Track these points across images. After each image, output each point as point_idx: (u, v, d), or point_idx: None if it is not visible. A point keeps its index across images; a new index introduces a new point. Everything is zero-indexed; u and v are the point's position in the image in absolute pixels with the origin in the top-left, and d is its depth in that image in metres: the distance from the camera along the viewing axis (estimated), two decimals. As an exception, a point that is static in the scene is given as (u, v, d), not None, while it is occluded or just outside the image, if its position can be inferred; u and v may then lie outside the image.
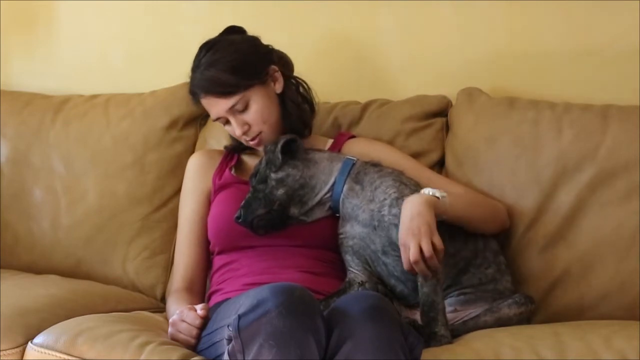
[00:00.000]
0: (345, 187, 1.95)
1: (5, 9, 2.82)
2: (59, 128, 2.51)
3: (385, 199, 1.89)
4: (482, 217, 1.99)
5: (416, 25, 2.40)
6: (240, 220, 1.93)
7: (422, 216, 1.78)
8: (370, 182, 1.93)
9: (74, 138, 2.49)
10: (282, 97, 2.08)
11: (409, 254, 1.77)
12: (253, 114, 2.03)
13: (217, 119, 2.06)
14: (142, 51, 2.69)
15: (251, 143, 2.07)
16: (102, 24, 2.74)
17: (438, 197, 1.84)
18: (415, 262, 1.77)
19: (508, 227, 2.07)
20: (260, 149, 2.07)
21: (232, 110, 2.02)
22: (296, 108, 2.10)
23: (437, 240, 1.78)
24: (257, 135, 2.05)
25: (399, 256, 1.87)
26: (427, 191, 1.86)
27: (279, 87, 2.08)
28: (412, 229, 1.77)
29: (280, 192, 1.93)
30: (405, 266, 1.80)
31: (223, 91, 2.00)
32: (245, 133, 2.04)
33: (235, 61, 2.01)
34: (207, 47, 2.04)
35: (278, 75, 2.08)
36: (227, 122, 2.06)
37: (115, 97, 2.54)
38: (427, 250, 1.76)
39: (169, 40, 2.64)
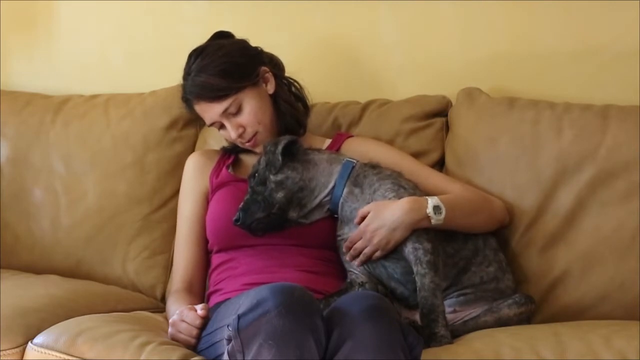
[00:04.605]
0: (345, 190, 1.95)
1: (5, 9, 2.82)
2: (59, 128, 2.51)
3: None
4: (478, 224, 1.99)
5: (416, 25, 2.40)
6: (239, 223, 1.93)
7: (393, 234, 1.85)
8: (370, 185, 1.93)
9: (74, 138, 2.49)
10: (274, 98, 2.09)
11: (355, 246, 1.89)
12: (247, 116, 2.03)
13: (212, 124, 2.06)
14: (142, 51, 2.68)
15: (247, 145, 2.07)
16: (102, 23, 2.74)
17: (432, 222, 1.86)
18: (350, 253, 1.91)
19: (508, 223, 2.07)
20: (257, 150, 2.07)
21: (225, 113, 2.02)
22: (290, 107, 2.10)
23: (377, 256, 1.88)
24: (253, 136, 2.05)
25: (397, 258, 1.89)
26: (429, 209, 1.86)
27: (270, 87, 2.08)
28: (377, 238, 1.86)
29: (280, 195, 1.93)
30: (345, 248, 1.92)
31: (214, 95, 2.00)
32: (240, 136, 2.04)
33: (224, 65, 2.01)
34: (196, 54, 2.05)
35: (269, 76, 2.08)
36: (221, 126, 2.06)
37: (115, 97, 2.54)
38: (363, 258, 1.89)
39: (169, 40, 2.64)
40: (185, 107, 2.11)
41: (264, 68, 2.08)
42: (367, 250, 1.89)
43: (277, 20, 2.52)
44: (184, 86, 2.07)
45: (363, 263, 1.91)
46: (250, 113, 2.03)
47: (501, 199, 2.07)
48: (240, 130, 2.04)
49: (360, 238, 1.89)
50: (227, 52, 2.04)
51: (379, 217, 1.86)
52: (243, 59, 2.05)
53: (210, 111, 2.03)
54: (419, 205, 1.87)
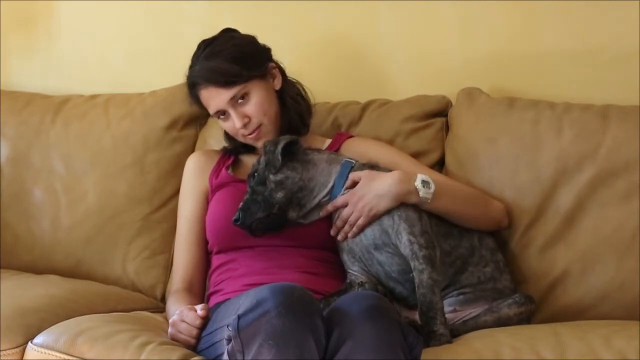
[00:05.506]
0: (344, 190, 1.95)
1: (5, 9, 2.82)
2: (59, 128, 2.51)
3: None
4: (471, 214, 1.99)
5: (416, 25, 2.40)
6: (238, 222, 1.93)
7: (379, 201, 1.86)
8: None
9: (74, 138, 2.49)
10: (280, 94, 2.10)
11: (341, 215, 1.91)
12: (253, 106, 2.03)
13: (217, 112, 2.06)
14: (142, 51, 2.69)
15: (250, 137, 2.07)
16: (102, 23, 2.74)
17: (420, 194, 1.87)
18: (336, 225, 1.93)
19: (506, 226, 2.07)
20: (259, 144, 2.07)
21: (232, 101, 2.02)
22: (295, 104, 2.12)
23: (360, 224, 1.88)
24: (257, 128, 2.05)
25: (392, 253, 1.89)
26: (417, 182, 1.88)
27: (277, 83, 2.10)
28: (362, 203, 1.88)
29: (280, 195, 1.93)
30: (323, 212, 1.94)
31: (225, 81, 2.00)
32: (244, 126, 2.04)
33: (237, 52, 2.03)
34: (207, 43, 2.07)
35: (276, 72, 2.10)
36: (225, 117, 2.06)
37: (115, 97, 2.54)
38: (347, 227, 1.90)
39: (169, 40, 2.64)
40: (189, 94, 2.10)
41: (272, 64, 2.09)
42: (351, 218, 1.89)
43: (277, 20, 2.52)
44: (191, 71, 2.07)
45: (346, 236, 1.92)
46: (256, 104, 2.03)
47: (501, 199, 2.07)
48: (246, 120, 2.04)
49: (346, 204, 1.90)
50: (239, 42, 2.07)
51: (369, 185, 1.88)
52: (254, 51, 2.07)
53: (217, 97, 2.03)
54: (408, 178, 1.88)
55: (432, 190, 1.88)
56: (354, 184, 1.91)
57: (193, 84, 2.07)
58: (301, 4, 2.50)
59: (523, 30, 2.32)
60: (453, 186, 2.01)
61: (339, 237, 1.93)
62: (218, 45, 2.04)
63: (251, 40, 2.10)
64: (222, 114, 2.06)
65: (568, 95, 2.21)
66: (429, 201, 1.88)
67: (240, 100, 2.02)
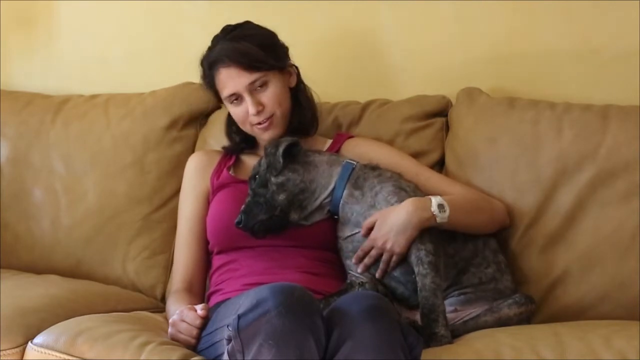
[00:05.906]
0: (345, 192, 1.95)
1: (5, 9, 2.82)
2: (59, 128, 2.51)
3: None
4: (481, 224, 1.99)
5: (416, 24, 2.40)
6: (241, 225, 1.93)
7: (404, 235, 1.85)
8: (371, 188, 1.94)
9: (74, 138, 2.49)
10: (295, 92, 2.11)
11: (369, 254, 1.90)
12: (270, 95, 2.03)
13: (231, 95, 2.05)
14: (142, 51, 2.68)
15: (259, 127, 2.06)
16: (102, 23, 2.74)
17: (437, 220, 1.87)
18: (364, 262, 1.91)
19: (508, 226, 2.07)
20: (265, 135, 2.06)
21: (251, 86, 2.02)
22: (309, 102, 2.13)
23: (395, 260, 1.89)
24: (269, 117, 2.05)
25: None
26: (433, 207, 1.87)
27: (293, 81, 2.11)
28: (389, 243, 1.87)
29: (282, 197, 1.93)
30: (355, 259, 1.92)
31: (249, 64, 2.01)
32: (258, 113, 2.03)
33: (264, 40, 2.06)
34: (233, 27, 2.08)
35: (293, 70, 2.12)
36: (238, 102, 2.05)
37: (115, 97, 2.54)
38: (383, 266, 1.90)
39: (169, 40, 2.64)
40: (203, 76, 2.09)
41: (290, 62, 2.11)
42: (384, 257, 1.89)
43: (277, 20, 2.50)
44: (212, 51, 2.06)
45: (384, 272, 1.91)
46: (273, 93, 2.04)
47: (501, 199, 2.08)
48: (260, 107, 2.04)
49: (372, 247, 1.90)
50: (266, 32, 2.09)
51: (386, 223, 1.87)
52: (278, 44, 2.10)
53: (237, 79, 2.02)
54: (423, 205, 1.87)
55: (447, 213, 1.88)
56: (369, 230, 1.90)
57: (213, 63, 2.05)
58: (301, 4, 2.50)
59: (523, 30, 2.32)
60: (462, 199, 1.99)
61: (378, 275, 1.92)
62: (246, 30, 2.07)
63: (274, 34, 2.12)
64: (235, 98, 2.05)
65: (568, 95, 2.21)
66: (445, 224, 1.89)
67: (258, 87, 2.03)
